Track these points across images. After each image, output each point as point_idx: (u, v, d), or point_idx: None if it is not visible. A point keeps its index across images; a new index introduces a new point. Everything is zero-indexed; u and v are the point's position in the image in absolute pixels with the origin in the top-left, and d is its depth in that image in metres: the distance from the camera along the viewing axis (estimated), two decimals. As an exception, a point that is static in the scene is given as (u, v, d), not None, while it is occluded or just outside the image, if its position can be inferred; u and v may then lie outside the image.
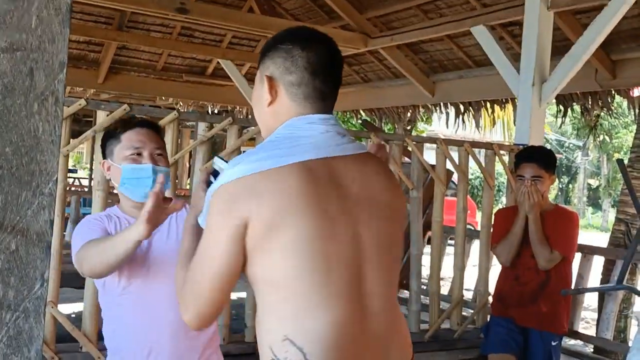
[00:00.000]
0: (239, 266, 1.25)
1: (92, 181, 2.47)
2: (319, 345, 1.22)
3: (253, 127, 3.07)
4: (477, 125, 7.16)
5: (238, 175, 1.23)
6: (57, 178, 0.81)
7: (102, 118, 2.72)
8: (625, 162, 5.17)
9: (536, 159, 3.00)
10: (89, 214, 1.80)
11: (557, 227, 3.00)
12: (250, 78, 8.11)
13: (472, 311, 3.87)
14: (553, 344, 3.03)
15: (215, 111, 9.85)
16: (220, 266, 1.23)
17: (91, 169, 12.02)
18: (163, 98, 9.47)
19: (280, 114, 1.34)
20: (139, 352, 1.82)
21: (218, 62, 7.82)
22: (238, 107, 9.30)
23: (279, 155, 1.26)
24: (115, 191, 2.01)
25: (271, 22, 5.57)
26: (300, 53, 1.32)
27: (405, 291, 4.26)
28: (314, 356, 1.22)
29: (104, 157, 1.94)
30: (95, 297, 2.67)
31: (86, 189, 10.69)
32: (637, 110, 5.55)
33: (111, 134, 1.91)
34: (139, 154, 1.85)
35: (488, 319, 3.41)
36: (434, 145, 3.61)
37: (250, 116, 9.16)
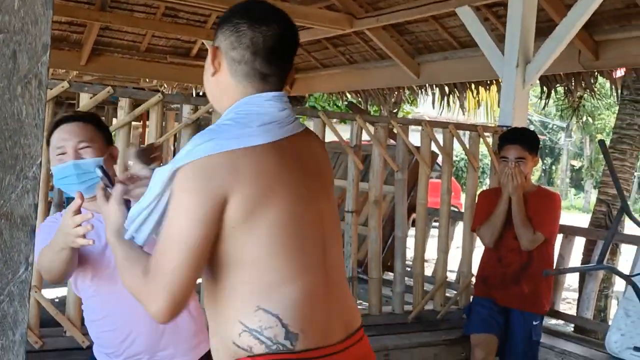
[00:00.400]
0: (211, 244, 1.23)
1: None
2: (292, 310, 1.27)
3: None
4: (462, 107, 7.19)
5: (212, 152, 1.21)
6: (40, 162, 0.81)
7: (85, 101, 2.70)
8: (607, 143, 5.23)
9: (520, 140, 3.03)
10: (72, 198, 1.77)
11: (539, 209, 3.03)
12: (234, 59, 8.05)
13: (455, 292, 3.91)
14: (534, 323, 3.09)
15: (200, 93, 9.77)
16: (195, 245, 1.20)
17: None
18: (147, 80, 9.38)
19: (223, 87, 1.36)
20: (118, 343, 1.82)
21: (203, 43, 7.75)
22: (223, 89, 9.23)
23: (250, 134, 1.27)
24: None
25: (256, 3, 5.53)
26: (246, 30, 1.31)
27: (390, 273, 4.30)
28: (289, 319, 1.27)
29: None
30: (80, 281, 2.68)
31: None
32: (619, 92, 5.59)
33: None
34: (64, 153, 1.81)
35: (471, 300, 3.46)
36: (419, 127, 3.63)
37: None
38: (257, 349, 1.25)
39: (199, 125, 3.20)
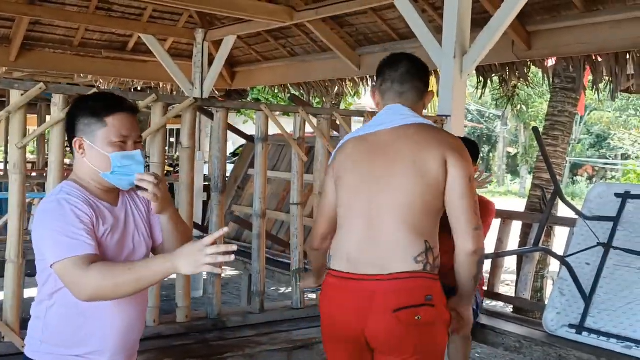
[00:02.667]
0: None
1: (8, 164, 2.38)
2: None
3: (178, 104, 3.02)
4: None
5: (338, 146, 2.30)
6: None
7: (17, 98, 2.61)
8: (541, 130, 5.43)
9: None
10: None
11: None
12: (173, 53, 7.91)
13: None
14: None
15: (138, 88, 9.56)
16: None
17: (6, 152, 11.46)
18: (82, 75, 9.10)
19: (380, 106, 2.27)
20: (116, 336, 1.81)
21: (139, 37, 7.58)
22: (162, 84, 9.06)
23: (353, 133, 2.31)
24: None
25: (194, -4, 5.44)
26: (385, 71, 2.27)
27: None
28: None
29: (74, 133, 1.82)
30: (17, 286, 2.59)
31: (1, 173, 10.22)
32: (551, 80, 5.81)
33: (93, 113, 1.79)
34: (124, 142, 1.79)
35: None
36: (362, 119, 3.67)
37: (175, 92, 8.97)
38: None
39: (139, 121, 3.15)
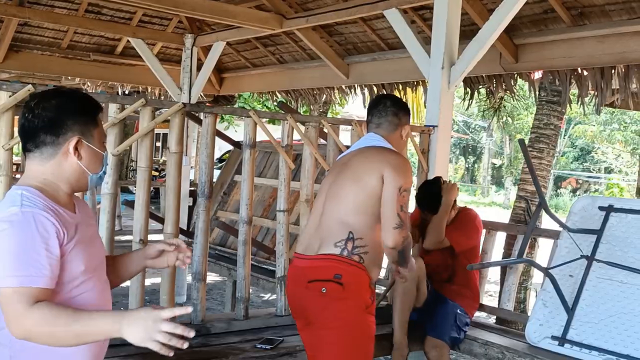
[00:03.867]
0: None
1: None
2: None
3: (167, 109, 3.02)
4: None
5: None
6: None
7: (4, 99, 2.59)
8: (526, 142, 5.48)
9: (422, 206, 3.58)
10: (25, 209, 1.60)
11: (456, 227, 3.57)
12: (162, 58, 7.89)
13: (384, 288, 4.00)
14: (458, 312, 3.44)
15: (126, 92, 9.52)
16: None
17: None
18: (69, 78, 9.05)
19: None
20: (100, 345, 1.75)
21: (128, 41, 7.55)
22: (150, 88, 9.03)
23: (342, 154, 2.87)
24: (18, 176, 1.93)
25: (184, 0, 5.44)
26: (370, 109, 2.81)
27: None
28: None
29: (67, 133, 1.67)
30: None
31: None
32: (537, 93, 5.87)
33: (87, 111, 1.71)
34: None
35: None
36: (349, 127, 3.69)
37: (162, 97, 8.94)
38: None
39: (124, 125, 3.13)
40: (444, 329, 3.40)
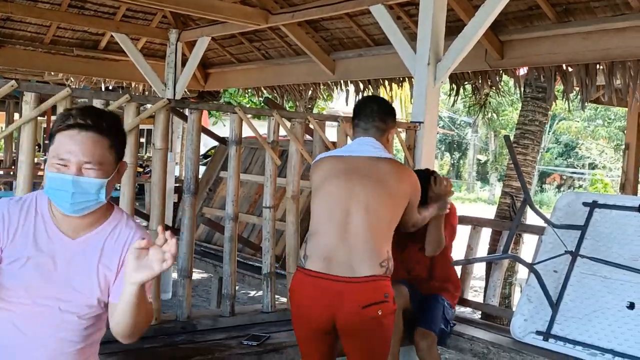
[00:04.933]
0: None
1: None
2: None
3: (151, 105, 2.99)
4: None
5: (314, 161, 2.81)
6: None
7: (-12, 95, 2.55)
8: (511, 138, 5.51)
9: None
10: (17, 197, 1.65)
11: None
12: (146, 53, 7.83)
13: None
14: (446, 304, 3.44)
15: (110, 88, 9.44)
16: None
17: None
18: (52, 73, 8.96)
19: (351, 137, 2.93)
20: None
21: (112, 36, 7.49)
22: (134, 84, 8.96)
23: (330, 153, 2.84)
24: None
25: (168, -5, 5.40)
26: (357, 110, 2.81)
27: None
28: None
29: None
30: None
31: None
32: (522, 89, 5.90)
33: (52, 127, 1.67)
34: (65, 166, 1.62)
35: None
36: (335, 123, 3.68)
37: (147, 92, 8.88)
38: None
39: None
40: (435, 320, 3.37)
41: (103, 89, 9.11)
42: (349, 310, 2.42)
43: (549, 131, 26.11)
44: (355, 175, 2.58)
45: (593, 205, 3.45)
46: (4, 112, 9.10)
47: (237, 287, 3.41)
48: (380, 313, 2.43)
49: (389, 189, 2.57)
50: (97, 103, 2.81)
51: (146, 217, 3.90)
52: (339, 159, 2.70)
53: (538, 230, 3.77)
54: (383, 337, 2.54)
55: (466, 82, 6.06)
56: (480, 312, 5.11)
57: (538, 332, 3.25)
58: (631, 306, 3.06)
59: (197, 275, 7.44)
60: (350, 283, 2.42)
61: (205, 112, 10.18)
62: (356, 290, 2.42)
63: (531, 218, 5.24)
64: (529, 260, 3.56)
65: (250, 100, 14.93)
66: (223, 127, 15.99)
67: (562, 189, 27.18)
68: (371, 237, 2.48)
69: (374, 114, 2.75)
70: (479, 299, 5.12)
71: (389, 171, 2.62)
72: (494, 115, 23.72)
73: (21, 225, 1.68)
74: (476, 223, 4.24)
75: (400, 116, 12.89)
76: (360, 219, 2.50)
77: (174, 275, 4.53)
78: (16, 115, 10.54)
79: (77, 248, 1.71)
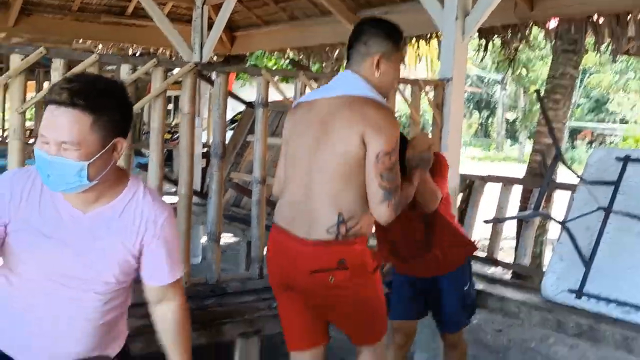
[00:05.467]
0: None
1: (8, 130, 2.38)
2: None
3: (178, 69, 2.99)
4: (403, 62, 7.23)
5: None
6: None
7: (17, 63, 2.58)
8: (541, 93, 5.39)
9: None
10: (5, 165, 1.63)
11: (436, 173, 2.71)
12: (173, 18, 7.80)
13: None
14: (464, 289, 2.99)
15: (137, 54, 9.47)
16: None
17: (3, 119, 11.41)
18: (80, 41, 9.01)
19: None
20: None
21: (138, 2, 7.45)
22: (161, 49, 8.97)
23: (304, 97, 2.45)
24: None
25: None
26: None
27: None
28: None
29: None
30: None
31: (-1, 139, 10.19)
32: (553, 42, 5.74)
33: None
34: (46, 142, 1.52)
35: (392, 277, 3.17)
36: (362, 83, 3.63)
37: (174, 58, 8.88)
38: None
39: (136, 88, 3.11)
40: (460, 318, 3.03)
41: (130, 55, 9.13)
42: (301, 271, 2.22)
43: (580, 86, 25.50)
44: (315, 125, 2.20)
45: (626, 160, 3.38)
46: (34, 81, 9.18)
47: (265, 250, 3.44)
48: (332, 280, 2.16)
49: (342, 140, 2.14)
50: (126, 68, 2.82)
51: (175, 183, 3.94)
52: (309, 106, 2.28)
53: (570, 187, 3.71)
54: (358, 309, 2.25)
55: (495, 37, 5.92)
56: (510, 272, 5.10)
57: (570, 291, 3.23)
58: (666, 262, 3.02)
59: (225, 239, 7.54)
60: (304, 245, 2.20)
61: (232, 77, 10.09)
62: (307, 253, 2.19)
63: (563, 175, 5.16)
64: (560, 218, 3.52)
65: (278, 62, 14.83)
66: (252, 88, 15.97)
67: (593, 145, 26.68)
68: (320, 198, 2.18)
69: (358, 36, 2.25)
70: (509, 259, 5.10)
71: (345, 116, 2.15)
72: (524, 70, 23.22)
73: (25, 197, 1.61)
74: (506, 182, 4.20)
75: (427, 73, 12.69)
76: (315, 178, 2.19)
77: (203, 239, 4.60)
78: (45, 84, 10.67)
79: (88, 223, 1.64)
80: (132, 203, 1.67)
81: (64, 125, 1.49)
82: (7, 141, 2.59)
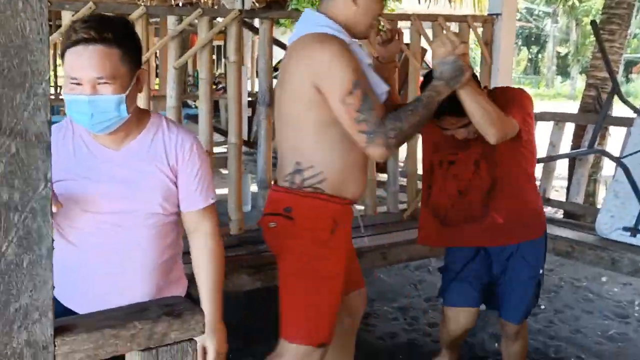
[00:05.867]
0: None
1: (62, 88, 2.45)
2: None
3: (223, 18, 2.99)
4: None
5: None
6: (49, 77, 0.81)
7: (68, 19, 2.62)
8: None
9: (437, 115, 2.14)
10: (59, 122, 1.67)
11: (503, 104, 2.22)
12: (210, -35, 7.74)
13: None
14: (540, 271, 2.45)
15: (180, 4, 9.46)
16: None
17: (56, 76, 11.63)
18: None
19: None
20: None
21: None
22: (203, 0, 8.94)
23: None
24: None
25: None
26: None
27: (383, 174, 4.36)
28: None
29: None
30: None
31: (52, 97, 10.45)
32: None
33: (61, 46, 1.61)
34: (78, 84, 1.54)
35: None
36: (408, 23, 3.56)
37: (216, 6, 8.84)
38: None
39: (182, 39, 3.13)
40: (527, 308, 2.50)
41: (173, 5, 9.14)
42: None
43: (636, 15, 24.25)
44: (281, 74, 2.07)
45: (688, 93, 3.24)
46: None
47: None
48: (271, 225, 2.09)
49: (293, 86, 1.99)
50: (172, 19, 2.84)
51: (223, 133, 3.99)
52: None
53: (626, 122, 3.60)
54: (287, 259, 2.10)
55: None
56: (562, 211, 5.03)
57: (625, 229, 3.18)
58: None
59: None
60: (270, 191, 2.21)
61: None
62: (267, 198, 2.19)
63: (618, 110, 5.00)
64: (616, 154, 3.43)
65: (314, 3, 14.60)
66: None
67: (650, 79, 25.56)
68: (282, 148, 2.11)
69: None
70: (562, 198, 5.02)
71: (294, 61, 1.98)
72: (576, 1, 22.22)
73: (60, 148, 1.65)
74: (559, 119, 4.10)
75: (474, 10, 12.30)
76: (278, 128, 2.13)
77: (253, 187, 4.67)
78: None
79: (122, 158, 1.68)
80: (159, 134, 1.73)
81: (97, 61, 1.53)
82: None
